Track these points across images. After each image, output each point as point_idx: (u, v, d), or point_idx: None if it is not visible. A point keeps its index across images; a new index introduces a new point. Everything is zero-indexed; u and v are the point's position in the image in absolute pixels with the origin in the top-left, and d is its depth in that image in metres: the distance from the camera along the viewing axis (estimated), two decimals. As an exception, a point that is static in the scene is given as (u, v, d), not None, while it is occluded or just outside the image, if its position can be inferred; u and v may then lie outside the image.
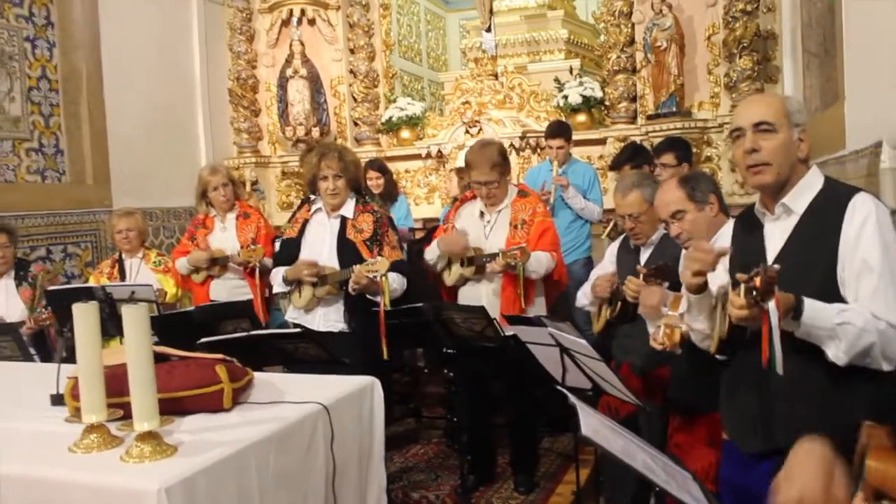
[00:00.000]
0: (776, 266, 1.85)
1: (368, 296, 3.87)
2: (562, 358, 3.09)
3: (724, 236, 2.45)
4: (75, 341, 2.06)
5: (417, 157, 7.59)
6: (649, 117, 6.48)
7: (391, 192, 6.35)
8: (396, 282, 3.92)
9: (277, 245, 4.55)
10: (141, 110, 6.73)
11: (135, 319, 1.97)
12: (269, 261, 4.67)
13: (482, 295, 4.12)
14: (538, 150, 6.94)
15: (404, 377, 6.03)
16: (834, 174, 2.90)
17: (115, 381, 2.11)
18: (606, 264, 3.78)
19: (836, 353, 1.98)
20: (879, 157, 3.07)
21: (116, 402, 2.14)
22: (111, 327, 3.97)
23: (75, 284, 5.49)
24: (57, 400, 2.50)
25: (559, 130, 5.81)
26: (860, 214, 2.06)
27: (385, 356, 3.81)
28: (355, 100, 7.92)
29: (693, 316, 2.28)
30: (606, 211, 5.68)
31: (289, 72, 7.59)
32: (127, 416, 2.07)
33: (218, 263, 4.88)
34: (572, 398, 2.00)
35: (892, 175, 3.02)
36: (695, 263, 2.14)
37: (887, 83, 3.32)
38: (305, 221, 4.12)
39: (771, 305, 1.87)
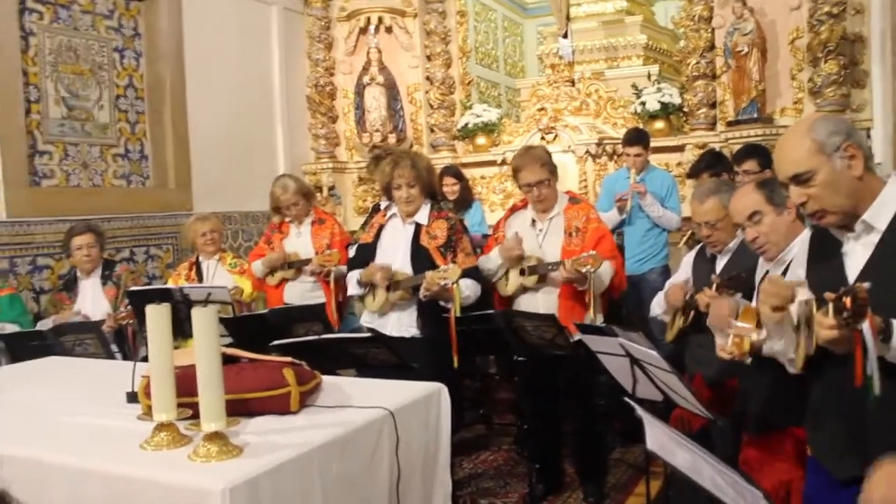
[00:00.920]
0: (866, 285, 1.75)
1: (441, 302, 3.87)
2: (632, 369, 3.03)
3: (798, 248, 2.35)
4: (147, 341, 2.12)
5: (493, 163, 7.57)
6: (729, 124, 6.33)
7: (466, 199, 6.36)
8: (470, 288, 3.90)
9: (353, 250, 4.59)
10: (221, 117, 6.90)
11: (204, 321, 2.01)
12: (343, 268, 4.69)
13: (539, 305, 4.05)
14: (615, 158, 6.84)
15: (475, 383, 6.01)
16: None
17: (186, 381, 2.15)
18: (682, 274, 3.70)
19: None
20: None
21: (187, 402, 2.19)
22: (188, 328, 4.06)
23: (155, 286, 5.64)
24: (132, 397, 2.57)
25: (637, 138, 5.72)
26: None
27: (455, 364, 3.81)
28: (431, 106, 7.95)
29: (773, 341, 2.19)
30: (684, 219, 5.57)
31: (366, 79, 7.67)
32: (196, 415, 2.10)
33: (293, 266, 4.96)
34: (639, 410, 1.96)
35: None
36: (773, 298, 2.04)
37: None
38: (381, 227, 4.15)
39: (865, 326, 1.76)
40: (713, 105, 6.63)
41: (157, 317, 2.13)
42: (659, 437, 1.78)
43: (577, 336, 3.52)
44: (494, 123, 7.74)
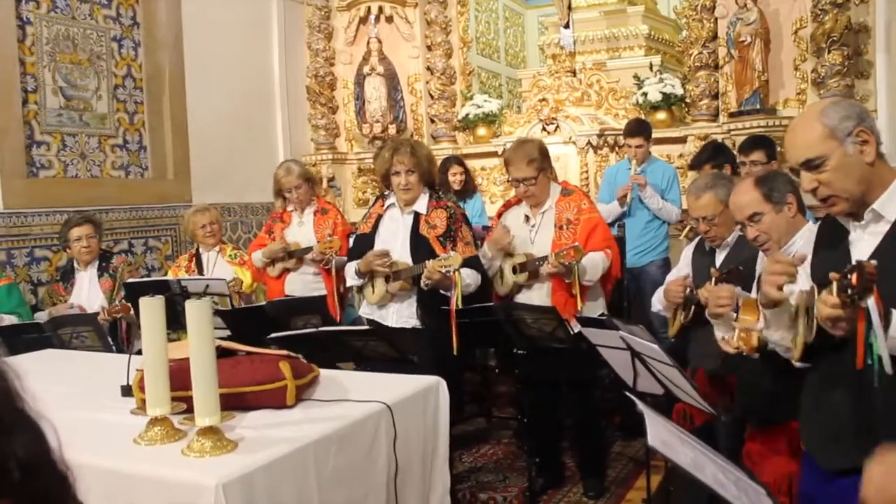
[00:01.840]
0: (873, 262, 1.72)
1: (442, 290, 3.83)
2: (633, 362, 3.00)
3: (803, 239, 2.33)
4: (141, 334, 2.09)
5: (494, 154, 7.52)
6: (732, 115, 6.28)
7: (468, 189, 6.36)
8: (470, 277, 3.87)
9: (351, 241, 4.56)
10: (221, 108, 6.86)
11: (198, 314, 1.98)
12: (343, 258, 4.67)
13: (534, 300, 4.01)
14: (616, 149, 6.80)
15: (476, 376, 5.99)
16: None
17: (181, 375, 2.12)
18: (682, 267, 3.67)
19: None
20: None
21: (181, 396, 2.16)
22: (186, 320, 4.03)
23: (154, 277, 5.62)
24: (127, 391, 2.54)
25: (638, 129, 5.68)
26: None
27: (455, 351, 3.78)
28: (432, 97, 7.91)
29: (771, 330, 2.16)
30: (685, 211, 5.52)
31: (366, 69, 7.63)
32: (190, 409, 2.08)
33: (294, 256, 4.92)
34: (640, 405, 1.92)
35: None
36: (781, 277, 2.02)
37: None
38: (379, 217, 4.12)
39: (870, 302, 1.73)
40: (715, 96, 6.58)
41: (151, 309, 2.10)
42: (660, 433, 1.74)
43: (578, 328, 3.49)
44: (495, 114, 7.70)
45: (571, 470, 4.43)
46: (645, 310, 4.46)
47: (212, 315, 2.02)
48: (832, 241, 2.14)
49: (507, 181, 4.14)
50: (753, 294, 2.43)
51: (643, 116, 6.54)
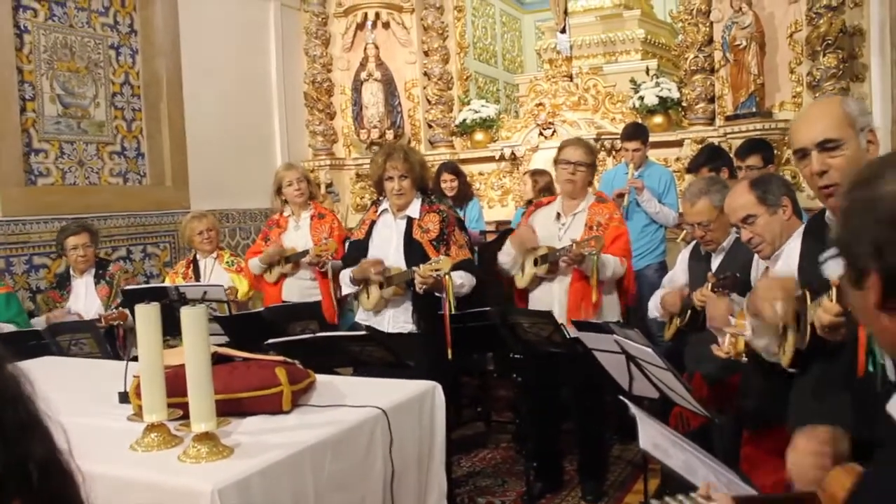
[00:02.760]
0: None
1: (437, 294, 3.85)
2: (628, 366, 3.01)
3: (792, 246, 2.33)
4: (137, 341, 2.10)
5: (491, 159, 7.55)
6: (728, 118, 6.30)
7: (464, 195, 6.35)
8: (463, 278, 3.88)
9: (346, 247, 4.57)
10: (218, 114, 6.87)
11: (193, 321, 1.99)
12: (339, 263, 4.68)
13: (554, 294, 4.06)
14: (613, 153, 6.82)
15: (474, 380, 5.99)
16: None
17: (177, 382, 2.13)
18: (678, 271, 3.69)
19: None
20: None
21: (178, 402, 2.17)
22: (184, 327, 4.05)
23: (152, 284, 5.63)
24: (124, 397, 2.55)
25: (635, 133, 5.69)
26: None
27: (450, 356, 3.79)
28: (429, 102, 7.92)
29: (756, 337, 2.17)
30: (682, 215, 5.54)
31: (363, 75, 7.64)
32: (187, 415, 2.08)
33: (291, 261, 4.93)
34: (633, 408, 1.94)
35: None
36: (783, 302, 2.00)
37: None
38: (372, 223, 4.13)
39: None
40: (712, 99, 6.60)
41: (147, 316, 2.11)
42: (652, 436, 1.76)
43: (575, 334, 3.51)
44: (493, 119, 7.71)
45: (570, 474, 4.44)
46: (642, 313, 4.48)
47: (207, 321, 2.03)
48: (820, 244, 2.14)
49: (555, 161, 4.21)
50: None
51: (640, 120, 6.55)
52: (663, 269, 5.33)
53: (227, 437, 2.12)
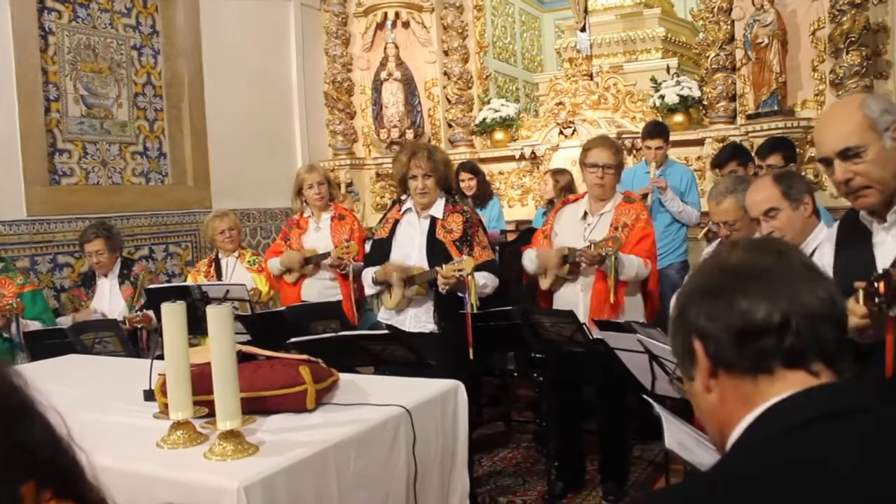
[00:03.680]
0: None
1: (460, 293, 3.84)
2: (651, 365, 3.00)
3: (816, 241, 2.31)
4: (163, 340, 2.12)
5: (511, 158, 7.55)
6: (749, 117, 6.26)
7: (484, 194, 6.34)
8: (486, 278, 3.87)
9: (368, 246, 4.57)
10: (239, 114, 6.91)
11: (219, 319, 2.00)
12: (360, 264, 4.67)
13: (578, 295, 4.04)
14: (633, 152, 6.79)
15: (495, 380, 5.99)
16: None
17: (203, 380, 2.15)
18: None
19: None
20: None
21: (203, 400, 2.19)
22: (206, 326, 4.06)
23: (174, 283, 5.66)
24: (149, 395, 2.57)
25: (657, 131, 5.67)
26: None
27: (471, 356, 3.79)
28: (449, 101, 7.93)
29: None
30: (704, 214, 5.51)
31: (383, 74, 7.65)
32: (212, 413, 2.10)
33: (311, 262, 4.94)
34: (657, 408, 1.93)
35: None
36: None
37: None
38: (396, 222, 4.12)
39: None
40: (733, 98, 6.56)
41: (173, 315, 2.12)
42: (677, 436, 1.75)
43: (598, 335, 3.49)
44: (512, 118, 7.71)
45: (591, 473, 4.42)
46: (664, 312, 4.46)
47: (233, 320, 2.04)
48: (854, 242, 2.12)
49: (581, 164, 4.15)
50: None
51: (660, 119, 6.53)
52: (685, 268, 5.31)
53: (252, 435, 2.13)
